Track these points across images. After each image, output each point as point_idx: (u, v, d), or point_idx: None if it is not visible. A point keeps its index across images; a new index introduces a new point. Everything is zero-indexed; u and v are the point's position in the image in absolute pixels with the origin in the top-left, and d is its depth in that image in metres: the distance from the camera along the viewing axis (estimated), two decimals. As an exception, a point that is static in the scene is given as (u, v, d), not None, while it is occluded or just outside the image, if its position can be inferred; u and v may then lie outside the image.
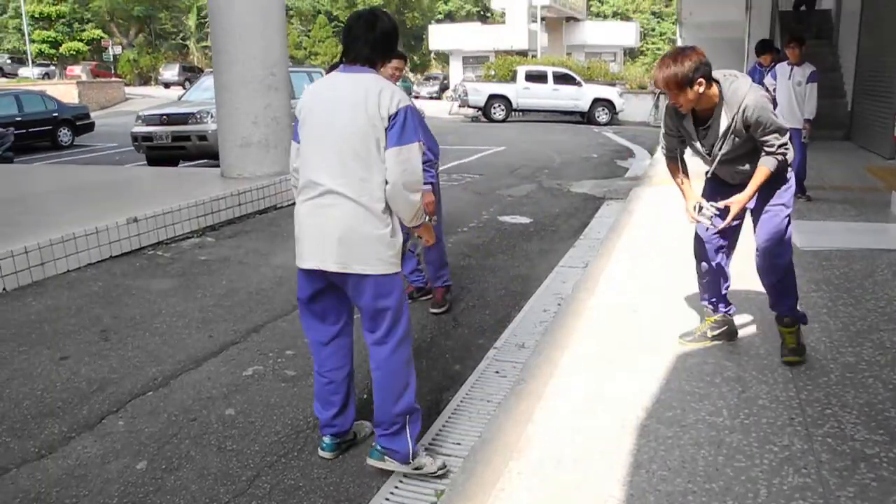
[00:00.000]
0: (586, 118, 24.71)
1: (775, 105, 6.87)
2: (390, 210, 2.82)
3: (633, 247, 6.33)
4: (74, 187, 8.90)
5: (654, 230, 6.92)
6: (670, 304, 4.71)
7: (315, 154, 2.84)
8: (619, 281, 5.32)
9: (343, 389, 3.13)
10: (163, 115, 12.79)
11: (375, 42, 2.85)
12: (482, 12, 54.22)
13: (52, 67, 46.47)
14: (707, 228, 3.76)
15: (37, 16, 45.95)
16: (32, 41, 46.64)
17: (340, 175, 2.77)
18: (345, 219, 2.76)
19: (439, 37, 44.27)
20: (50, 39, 47.65)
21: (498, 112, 25.04)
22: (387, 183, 2.76)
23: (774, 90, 7.73)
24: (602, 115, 24.55)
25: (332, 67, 3.24)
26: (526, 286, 5.70)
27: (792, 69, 7.72)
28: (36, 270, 5.76)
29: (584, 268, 6.02)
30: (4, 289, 5.54)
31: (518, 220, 8.16)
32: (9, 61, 49.01)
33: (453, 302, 5.22)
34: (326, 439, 3.19)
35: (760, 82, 7.57)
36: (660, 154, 13.77)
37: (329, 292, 2.99)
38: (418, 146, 2.77)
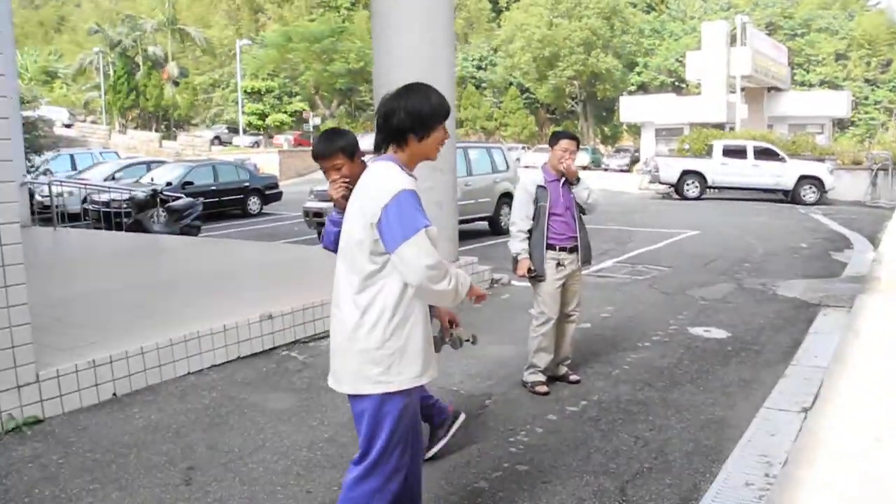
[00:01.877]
0: (790, 197, 22.33)
1: None
2: (384, 315, 2.53)
3: (869, 389, 4.80)
4: (227, 270, 8.60)
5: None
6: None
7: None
8: (857, 448, 3.87)
9: None
10: (314, 190, 12.58)
11: (379, 125, 2.66)
12: (676, 83, 52.37)
13: (260, 137, 50.03)
14: None
15: (249, 90, 49.78)
16: (244, 113, 50.51)
17: (341, 281, 2.67)
18: (334, 331, 2.69)
19: (631, 108, 42.98)
20: (258, 112, 51.50)
21: (691, 189, 23.30)
22: None
23: None
24: (809, 195, 22.07)
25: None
26: (721, 438, 4.37)
27: None
28: (152, 373, 5.22)
29: (799, 414, 4.60)
30: (115, 394, 5.01)
31: (713, 333, 6.77)
32: (226, 131, 53.57)
33: (627, 460, 4.03)
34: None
35: None
36: (887, 246, 11.70)
37: None
38: (422, 234, 2.45)
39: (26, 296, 4.55)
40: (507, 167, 15.06)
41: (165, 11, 61.85)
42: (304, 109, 53.60)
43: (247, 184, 19.99)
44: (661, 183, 24.13)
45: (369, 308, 2.53)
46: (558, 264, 5.10)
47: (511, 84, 57.33)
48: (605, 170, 43.15)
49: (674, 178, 23.47)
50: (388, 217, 2.41)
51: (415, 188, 2.50)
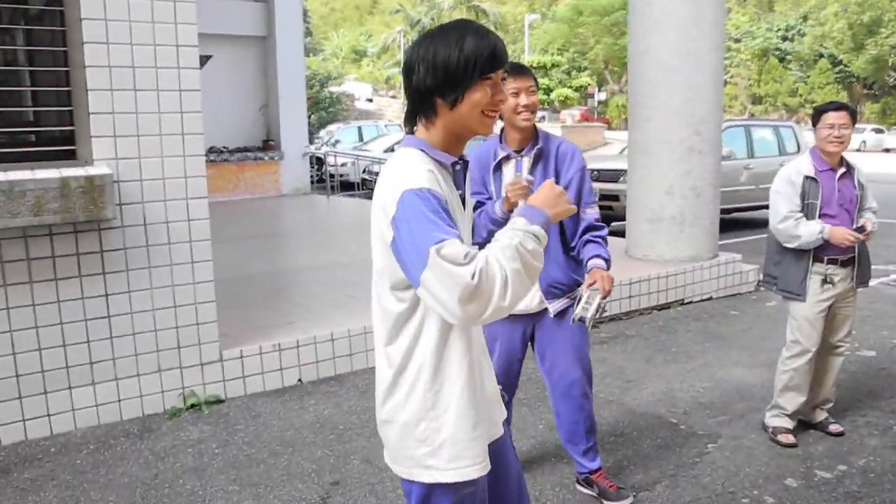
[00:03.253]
0: None
1: None
2: (422, 375, 1.75)
3: None
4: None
5: None
6: None
7: None
8: None
9: None
10: (593, 170, 11.66)
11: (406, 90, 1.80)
12: None
13: (546, 112, 49.90)
14: None
15: (536, 65, 49.73)
16: (533, 89, 50.63)
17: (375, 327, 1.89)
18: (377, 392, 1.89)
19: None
20: (543, 87, 51.27)
21: None
22: None
23: None
24: None
25: None
26: None
27: None
28: (342, 362, 4.88)
29: None
30: (300, 380, 4.73)
31: None
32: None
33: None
34: None
35: None
36: None
37: None
38: (434, 256, 1.53)
39: (212, 272, 4.38)
40: (798, 148, 13.05)
41: (463, -10, 63.94)
42: (589, 84, 52.53)
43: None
44: None
45: (405, 366, 1.77)
46: (825, 281, 3.86)
47: (821, 56, 51.30)
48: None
49: None
50: (401, 235, 1.62)
51: (432, 184, 1.65)
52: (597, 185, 11.41)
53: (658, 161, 6.94)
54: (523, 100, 2.96)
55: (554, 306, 3.14)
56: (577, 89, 52.37)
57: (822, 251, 3.84)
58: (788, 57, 54.37)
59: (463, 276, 1.49)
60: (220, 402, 4.45)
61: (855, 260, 3.89)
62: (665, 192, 6.94)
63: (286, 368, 4.69)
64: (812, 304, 3.87)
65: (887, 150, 38.48)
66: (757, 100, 54.81)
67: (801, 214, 3.83)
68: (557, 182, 2.96)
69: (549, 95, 50.75)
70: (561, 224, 3.04)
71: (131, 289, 4.14)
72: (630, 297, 6.41)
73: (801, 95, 52.32)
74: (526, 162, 3.08)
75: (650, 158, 6.98)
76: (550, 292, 3.12)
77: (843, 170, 3.88)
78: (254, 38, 15.07)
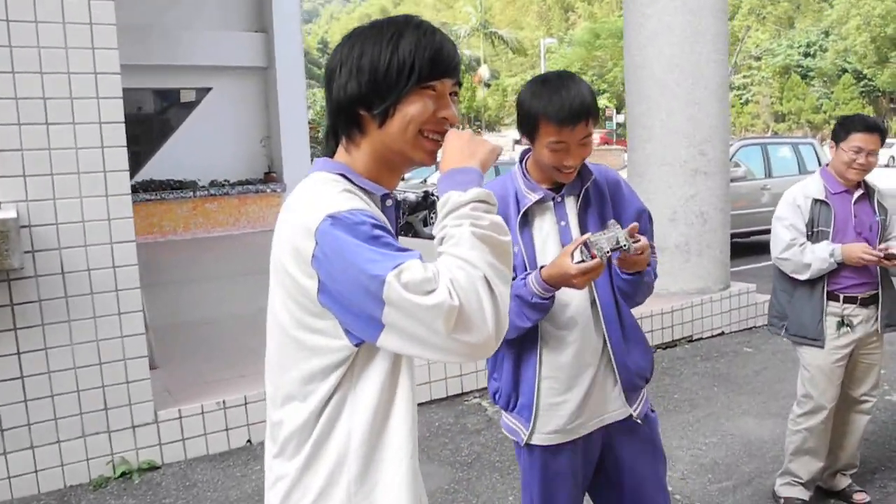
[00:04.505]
0: None
1: None
2: (345, 469, 1.25)
3: None
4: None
5: None
6: None
7: None
8: None
9: None
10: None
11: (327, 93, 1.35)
12: None
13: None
14: None
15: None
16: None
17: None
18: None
19: None
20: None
21: None
22: None
23: None
24: None
25: None
26: None
27: None
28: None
29: None
30: (249, 441, 4.22)
31: None
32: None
33: None
34: None
35: None
36: None
37: None
38: (393, 285, 1.10)
39: (142, 324, 3.91)
40: (820, 166, 12.42)
41: (479, 17, 64.01)
42: (607, 107, 52.00)
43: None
44: None
45: (314, 457, 1.26)
46: (842, 323, 3.28)
47: (845, 71, 50.33)
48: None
49: None
50: (333, 277, 1.15)
51: (360, 205, 1.21)
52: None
53: (659, 185, 6.38)
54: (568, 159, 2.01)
55: (639, 409, 2.18)
56: (594, 112, 51.94)
57: (836, 286, 3.26)
58: (811, 73, 53.44)
59: (440, 303, 1.08)
60: (155, 468, 3.96)
61: (878, 297, 3.30)
62: (668, 219, 6.38)
63: (233, 428, 4.19)
64: (827, 351, 3.27)
65: (915, 166, 37.46)
66: (780, 118, 53.86)
67: (805, 240, 3.26)
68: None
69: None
70: (617, 287, 2.15)
71: (48, 345, 3.67)
72: (631, 334, 5.83)
73: (825, 112, 51.28)
74: (571, 206, 2.13)
75: (650, 182, 6.43)
76: (634, 385, 2.16)
77: (860, 192, 3.30)
78: (254, 70, 14.76)
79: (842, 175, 3.26)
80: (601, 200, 2.13)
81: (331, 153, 1.36)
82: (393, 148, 1.29)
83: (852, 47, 48.21)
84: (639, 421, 2.16)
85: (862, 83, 49.78)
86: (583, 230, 2.08)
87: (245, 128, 14.62)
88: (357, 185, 1.28)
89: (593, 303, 2.11)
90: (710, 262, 6.50)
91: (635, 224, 1.94)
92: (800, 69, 53.73)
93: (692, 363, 5.69)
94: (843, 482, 3.48)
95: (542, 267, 1.98)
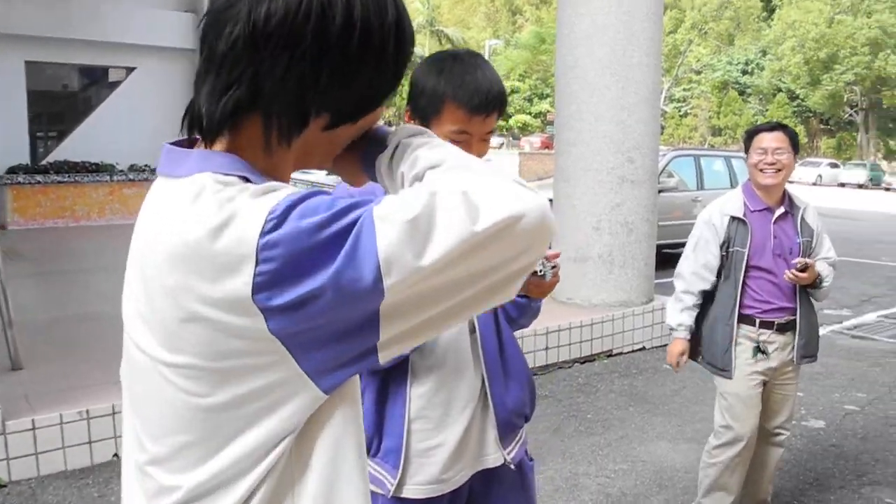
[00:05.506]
0: None
1: None
2: None
3: None
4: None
5: None
6: None
7: None
8: None
9: None
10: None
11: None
12: None
13: (504, 138, 49.43)
14: None
15: (496, 90, 49.44)
16: (491, 113, 50.43)
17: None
18: None
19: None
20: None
21: None
22: None
23: None
24: None
25: None
26: None
27: None
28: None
29: None
30: (116, 455, 3.79)
31: None
32: (471, 132, 53.79)
33: None
34: None
35: None
36: None
37: None
38: (377, 219, 0.76)
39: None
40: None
41: (426, 14, 63.72)
42: (549, 111, 52.30)
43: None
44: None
45: None
46: (758, 350, 3.05)
47: (779, 90, 51.62)
48: (887, 189, 37.19)
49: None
50: (301, 280, 0.78)
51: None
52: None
53: (584, 192, 6.13)
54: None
55: (514, 454, 1.87)
56: (536, 116, 52.15)
57: (751, 309, 3.04)
58: (748, 90, 54.71)
59: (444, 199, 0.76)
60: (2, 486, 3.49)
61: (796, 324, 3.07)
62: (593, 228, 6.14)
63: (97, 441, 3.74)
64: (743, 378, 3.04)
65: (842, 185, 38.66)
66: (717, 131, 54.97)
67: (697, 290, 3.14)
68: None
69: (507, 122, 50.41)
70: (503, 310, 1.87)
71: None
72: (548, 347, 5.56)
73: (759, 129, 52.60)
74: None
75: (575, 188, 6.18)
76: (512, 426, 1.86)
77: (781, 210, 3.07)
78: (182, 51, 14.14)
79: (756, 182, 3.06)
80: None
81: (211, 140, 0.91)
82: (316, 153, 0.95)
83: (787, 67, 49.46)
84: (512, 466, 1.83)
85: (795, 102, 51.13)
86: None
87: (171, 112, 13.97)
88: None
89: (472, 330, 1.78)
90: (634, 274, 6.28)
91: (557, 251, 1.66)
92: (738, 85, 54.95)
93: (609, 380, 5.45)
94: (757, 518, 3.25)
95: None
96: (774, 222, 3.05)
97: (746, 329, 3.04)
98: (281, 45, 0.82)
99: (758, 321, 3.03)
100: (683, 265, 3.19)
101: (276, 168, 0.91)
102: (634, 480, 3.83)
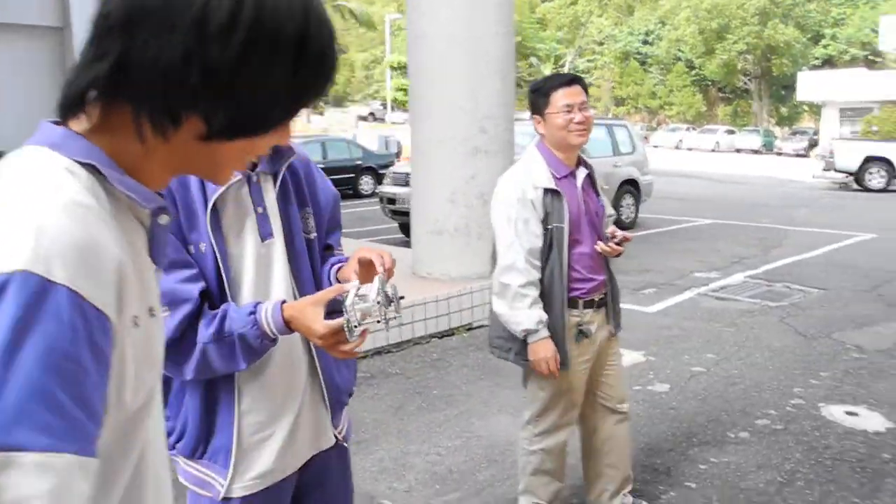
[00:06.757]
0: None
1: None
2: None
3: None
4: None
5: None
6: None
7: None
8: None
9: None
10: (395, 173, 10.78)
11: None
12: (869, 56, 45.89)
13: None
14: None
15: (397, 66, 48.93)
16: (393, 89, 49.96)
17: None
18: None
19: (811, 85, 37.79)
20: (403, 87, 50.56)
21: (875, 179, 19.39)
22: None
23: None
24: None
25: None
26: None
27: None
28: None
29: None
30: None
31: (862, 419, 4.29)
32: (381, 107, 53.28)
33: None
34: None
35: None
36: None
37: None
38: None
39: None
40: (634, 149, 12.60)
41: (328, -12, 62.52)
42: (454, 86, 52.41)
43: (359, 162, 18.54)
44: (836, 171, 20.31)
45: None
46: (581, 332, 2.81)
47: (678, 60, 52.91)
48: (779, 154, 38.70)
49: (853, 166, 19.61)
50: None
51: (88, 260, 0.71)
52: (394, 190, 10.57)
53: (439, 163, 5.99)
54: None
55: (344, 430, 1.82)
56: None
57: (576, 291, 2.77)
58: (649, 60, 55.89)
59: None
60: None
61: (607, 296, 2.94)
62: (448, 200, 6.00)
63: None
64: (576, 366, 2.80)
65: (738, 151, 40.03)
66: (620, 101, 56.04)
67: (535, 280, 2.68)
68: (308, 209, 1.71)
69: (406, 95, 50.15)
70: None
71: None
72: (402, 324, 5.42)
73: (660, 98, 53.84)
74: (269, 189, 1.64)
75: (430, 160, 6.03)
76: (341, 404, 1.79)
77: (584, 171, 2.89)
78: (45, 29, 13.29)
79: (564, 144, 2.74)
80: (299, 182, 1.71)
81: (65, 117, 0.80)
82: (194, 163, 0.84)
83: (683, 37, 50.68)
84: (345, 444, 1.80)
85: (693, 72, 52.52)
86: (284, 219, 1.63)
87: (37, 96, 13.21)
88: (112, 189, 0.78)
89: None
90: (491, 245, 6.17)
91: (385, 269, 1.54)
92: (639, 56, 56.05)
93: (465, 353, 5.35)
94: (616, 502, 3.10)
95: (283, 301, 1.53)
96: (581, 185, 2.84)
97: (571, 313, 2.78)
98: (156, 24, 0.72)
99: (580, 302, 2.79)
100: (510, 255, 2.70)
101: (148, 167, 0.81)
102: (465, 456, 3.72)
